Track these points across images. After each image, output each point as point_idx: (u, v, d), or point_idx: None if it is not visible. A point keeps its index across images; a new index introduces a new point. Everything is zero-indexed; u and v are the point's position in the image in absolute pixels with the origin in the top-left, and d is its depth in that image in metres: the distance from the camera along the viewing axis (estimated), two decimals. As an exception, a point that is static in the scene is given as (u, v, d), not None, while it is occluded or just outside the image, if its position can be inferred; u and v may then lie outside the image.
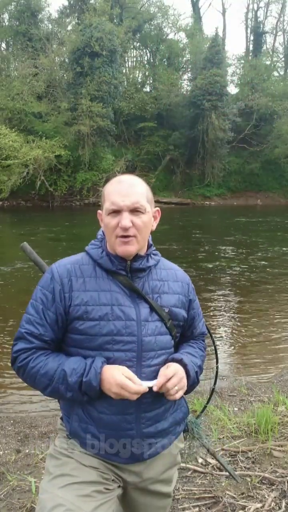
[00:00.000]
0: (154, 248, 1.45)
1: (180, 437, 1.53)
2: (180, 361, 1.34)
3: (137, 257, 1.35)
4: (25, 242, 1.85)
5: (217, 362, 2.13)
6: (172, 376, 1.27)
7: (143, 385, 1.24)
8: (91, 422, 1.31)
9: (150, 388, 1.26)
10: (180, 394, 1.29)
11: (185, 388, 1.32)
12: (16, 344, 1.33)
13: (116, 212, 1.29)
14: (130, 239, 1.29)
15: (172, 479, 1.50)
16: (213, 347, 2.14)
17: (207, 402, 2.20)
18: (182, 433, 1.54)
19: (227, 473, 2.40)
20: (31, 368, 1.29)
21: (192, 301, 1.48)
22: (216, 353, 2.11)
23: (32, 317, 1.32)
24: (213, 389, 2.16)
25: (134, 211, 1.29)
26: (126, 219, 1.27)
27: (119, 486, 1.36)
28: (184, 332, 1.49)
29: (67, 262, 1.37)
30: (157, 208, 1.41)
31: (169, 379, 1.26)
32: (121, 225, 1.27)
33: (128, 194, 1.28)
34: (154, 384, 1.26)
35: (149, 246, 1.41)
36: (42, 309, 1.31)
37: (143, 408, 1.30)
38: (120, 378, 1.21)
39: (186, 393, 1.39)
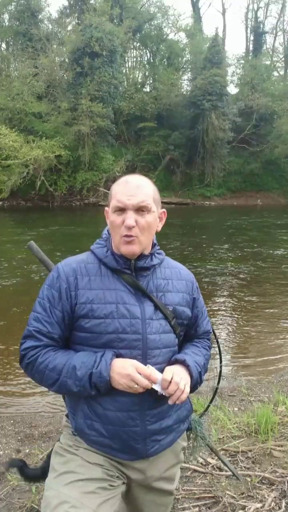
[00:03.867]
0: (158, 247, 1.46)
1: (183, 436, 1.54)
2: (183, 362, 1.35)
3: (141, 256, 1.36)
4: (31, 241, 1.85)
5: (220, 362, 2.12)
6: (173, 377, 1.28)
7: (154, 373, 1.27)
8: (96, 419, 1.32)
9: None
10: (188, 388, 1.30)
11: (189, 381, 1.33)
12: (25, 342, 1.34)
13: (122, 210, 1.31)
14: (133, 239, 1.31)
15: (174, 477, 1.51)
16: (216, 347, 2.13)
17: (210, 401, 2.20)
18: (185, 431, 1.55)
19: (227, 473, 2.41)
20: (40, 363, 1.30)
21: (196, 300, 1.50)
22: (219, 353, 2.11)
23: (40, 315, 1.33)
24: (217, 388, 2.15)
25: (139, 210, 1.31)
26: (130, 218, 1.29)
27: (123, 483, 1.37)
28: (188, 331, 1.50)
29: (73, 261, 1.39)
30: (163, 210, 1.43)
31: (170, 381, 1.27)
32: (125, 223, 1.29)
33: (135, 193, 1.30)
34: (159, 382, 1.28)
35: (153, 246, 1.42)
36: (49, 307, 1.33)
37: (148, 405, 1.31)
38: (131, 370, 1.23)
39: (189, 392, 1.39)
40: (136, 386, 1.23)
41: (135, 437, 1.31)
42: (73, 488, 1.24)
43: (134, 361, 1.27)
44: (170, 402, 1.29)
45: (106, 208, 1.39)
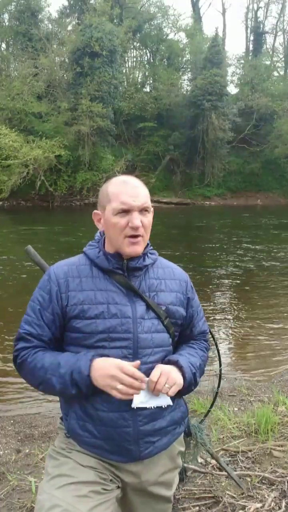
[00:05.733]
0: (152, 247, 1.46)
1: (181, 440, 1.52)
2: (176, 363, 1.34)
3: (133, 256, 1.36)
4: (29, 245, 1.86)
5: (220, 365, 2.11)
6: (159, 377, 1.26)
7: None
8: (88, 420, 1.32)
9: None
10: (174, 389, 1.28)
11: (180, 383, 1.30)
12: (17, 344, 1.36)
13: (126, 211, 1.31)
14: (138, 239, 1.32)
15: (172, 482, 1.48)
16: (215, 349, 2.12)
17: (211, 407, 2.20)
18: (182, 436, 1.53)
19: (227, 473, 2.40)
20: (29, 363, 1.31)
21: (191, 299, 1.48)
22: (219, 356, 2.10)
23: (30, 317, 1.35)
24: (217, 392, 2.15)
25: (143, 210, 1.32)
26: (137, 219, 1.30)
27: (118, 487, 1.35)
28: (184, 331, 1.49)
29: (64, 264, 1.40)
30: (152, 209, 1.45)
31: (156, 381, 1.25)
32: (132, 224, 1.29)
33: (137, 194, 1.31)
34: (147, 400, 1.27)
35: (145, 245, 1.42)
36: (39, 309, 1.34)
37: None
38: (115, 372, 1.20)
39: (183, 394, 1.38)
40: (119, 386, 1.20)
41: (127, 438, 1.30)
42: (66, 491, 1.23)
43: (117, 361, 1.24)
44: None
45: (96, 211, 1.39)
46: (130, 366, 1.23)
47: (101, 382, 1.22)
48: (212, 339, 1.77)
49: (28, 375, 1.33)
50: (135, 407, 1.25)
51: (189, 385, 1.37)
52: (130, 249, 1.32)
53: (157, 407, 1.28)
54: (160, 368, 1.29)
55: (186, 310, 1.46)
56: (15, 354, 1.36)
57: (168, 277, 1.44)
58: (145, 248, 1.41)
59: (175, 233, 15.38)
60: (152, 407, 1.28)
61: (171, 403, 1.30)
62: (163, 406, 1.29)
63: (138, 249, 1.33)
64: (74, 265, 1.38)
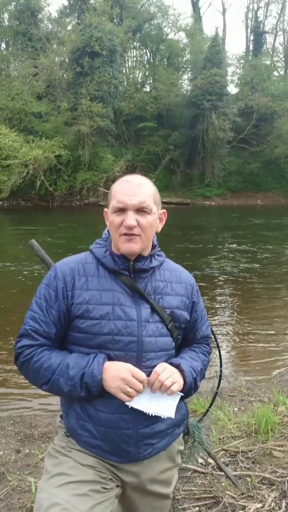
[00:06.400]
0: (159, 249, 1.44)
1: (180, 439, 1.52)
2: (177, 366, 1.34)
3: (140, 257, 1.34)
4: (33, 240, 1.85)
5: (221, 366, 2.11)
6: (163, 371, 1.27)
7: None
8: (88, 420, 1.31)
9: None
10: (176, 387, 1.28)
11: (180, 382, 1.31)
12: (20, 341, 1.34)
13: (122, 210, 1.29)
14: (134, 237, 1.29)
15: (171, 480, 1.49)
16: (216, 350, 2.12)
17: (209, 406, 2.19)
18: (181, 435, 1.53)
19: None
20: (35, 362, 1.29)
21: (196, 303, 1.47)
22: (220, 357, 2.10)
23: (36, 314, 1.33)
24: (216, 393, 2.14)
25: (140, 210, 1.30)
26: (131, 218, 1.28)
27: (117, 486, 1.35)
28: (187, 335, 1.48)
29: (71, 261, 1.38)
30: (164, 210, 1.42)
31: (159, 374, 1.27)
32: (125, 223, 1.28)
33: (136, 193, 1.29)
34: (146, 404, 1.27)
35: (153, 247, 1.41)
36: (46, 306, 1.32)
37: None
38: (126, 374, 1.23)
39: (183, 398, 1.38)
40: (129, 389, 1.22)
41: (127, 439, 1.29)
42: (65, 490, 1.22)
43: (129, 365, 1.26)
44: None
45: (106, 209, 1.38)
46: (141, 372, 1.24)
47: (112, 384, 1.23)
48: (213, 339, 1.76)
49: (31, 374, 1.32)
50: (129, 406, 1.25)
51: (189, 389, 1.37)
52: (124, 246, 1.30)
53: (155, 416, 1.28)
54: (164, 365, 1.30)
55: (190, 314, 1.45)
56: (18, 351, 1.33)
57: (175, 281, 1.43)
58: (152, 250, 1.39)
59: (174, 233, 15.35)
60: (150, 414, 1.27)
61: (172, 416, 1.29)
62: (162, 417, 1.29)
63: (134, 247, 1.30)
64: (80, 263, 1.36)
